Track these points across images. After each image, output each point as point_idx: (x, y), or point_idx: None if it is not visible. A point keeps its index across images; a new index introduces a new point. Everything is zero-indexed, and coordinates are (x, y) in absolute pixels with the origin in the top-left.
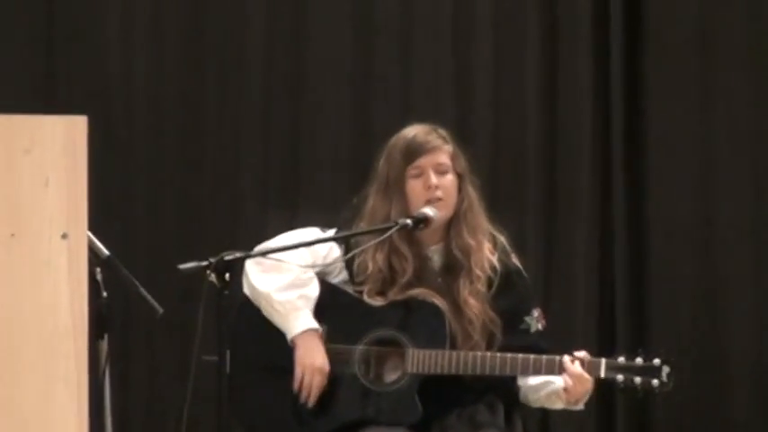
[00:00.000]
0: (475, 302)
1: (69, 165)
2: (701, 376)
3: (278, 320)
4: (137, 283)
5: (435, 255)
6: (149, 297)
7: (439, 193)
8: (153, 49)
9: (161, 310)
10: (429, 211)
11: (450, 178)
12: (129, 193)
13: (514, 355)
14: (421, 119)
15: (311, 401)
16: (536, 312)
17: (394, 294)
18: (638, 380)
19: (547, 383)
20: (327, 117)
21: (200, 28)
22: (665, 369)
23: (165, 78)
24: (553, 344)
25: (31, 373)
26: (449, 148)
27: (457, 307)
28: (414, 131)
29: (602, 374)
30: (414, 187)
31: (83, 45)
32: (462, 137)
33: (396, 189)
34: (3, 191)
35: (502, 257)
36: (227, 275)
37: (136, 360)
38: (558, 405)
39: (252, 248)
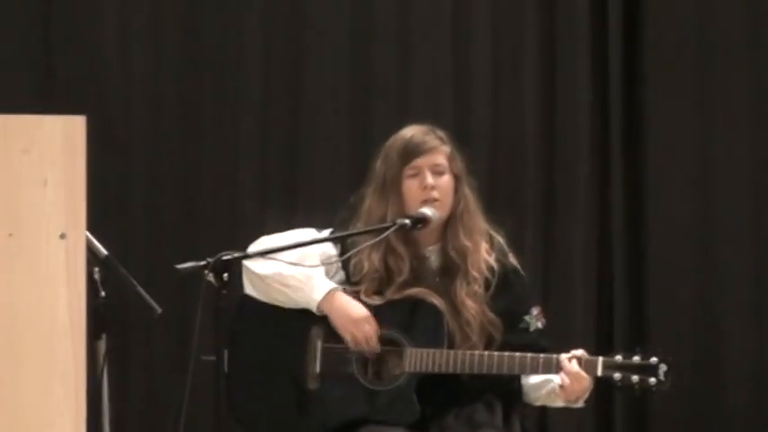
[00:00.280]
0: (472, 304)
1: (68, 165)
2: (699, 375)
3: (295, 296)
4: (135, 282)
5: (433, 255)
6: (147, 297)
7: (435, 194)
8: (151, 49)
9: (159, 310)
10: (427, 211)
11: (446, 179)
12: (127, 192)
13: (512, 354)
14: (419, 119)
15: (375, 349)
16: (535, 311)
17: (391, 294)
18: (635, 378)
19: (547, 382)
20: (326, 117)
21: (199, 28)
22: (663, 367)
23: (163, 78)
24: (554, 341)
25: (29, 372)
26: (446, 148)
27: (454, 308)
28: (411, 132)
29: (600, 373)
30: (410, 187)
31: (81, 45)
32: (461, 137)
33: (392, 189)
34: (1, 191)
35: (499, 257)
36: (225, 275)
37: (134, 360)
38: (559, 403)
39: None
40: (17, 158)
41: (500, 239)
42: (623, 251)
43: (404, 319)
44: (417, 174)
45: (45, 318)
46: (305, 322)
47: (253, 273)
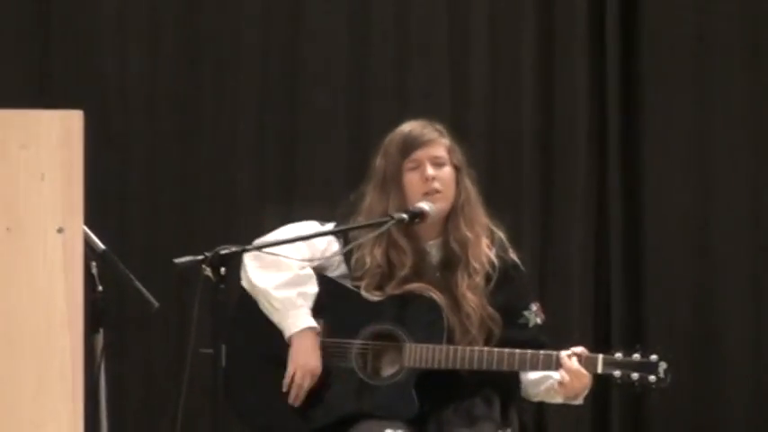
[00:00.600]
0: (473, 297)
1: (65, 159)
2: (697, 372)
3: (276, 318)
4: (132, 277)
5: (434, 249)
6: (145, 291)
7: (437, 185)
8: (149, 45)
9: (156, 304)
10: (425, 205)
11: (447, 170)
12: (124, 187)
13: (512, 350)
14: (417, 116)
15: (297, 402)
16: (534, 306)
17: (392, 289)
18: (635, 376)
19: (546, 378)
20: (324, 114)
21: (197, 23)
22: (663, 365)
23: (161, 73)
24: (552, 338)
25: (26, 366)
26: (445, 141)
27: (455, 301)
28: (410, 126)
29: (600, 370)
30: (411, 180)
31: (79, 40)
32: (458, 134)
33: (393, 183)
34: None
35: (500, 252)
36: (223, 270)
37: (131, 354)
38: (558, 399)
39: (248, 243)
40: (15, 153)
41: (501, 235)
42: (621, 249)
43: (403, 314)
44: (418, 166)
45: (43, 312)
46: None
47: (248, 275)
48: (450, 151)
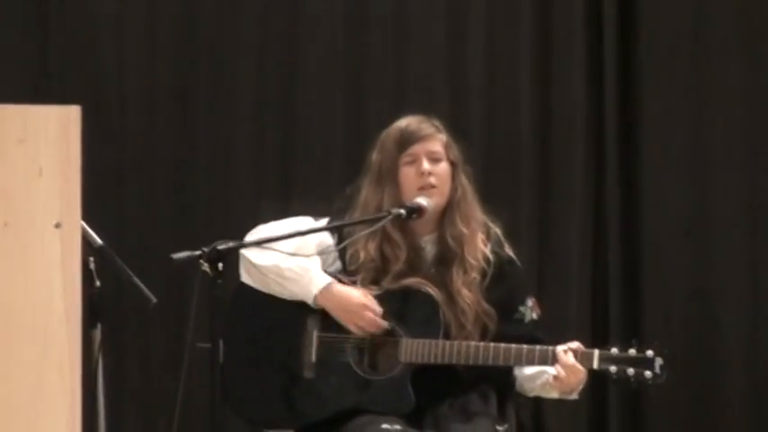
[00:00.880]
0: (468, 292)
1: (63, 154)
2: (694, 365)
3: (293, 288)
4: (130, 272)
5: (428, 245)
6: (143, 286)
7: (432, 180)
8: (146, 39)
9: (154, 300)
10: (422, 200)
11: (443, 166)
12: (122, 182)
13: (508, 345)
14: (414, 111)
15: (384, 327)
16: (530, 302)
17: (387, 283)
18: (630, 371)
19: (541, 373)
20: (321, 108)
21: (194, 17)
22: (659, 361)
23: (158, 68)
24: (548, 333)
25: (24, 361)
26: (442, 136)
27: (450, 297)
28: (407, 121)
29: (595, 365)
30: (407, 175)
31: (77, 36)
32: (455, 129)
33: (389, 178)
34: None
35: (495, 248)
36: (220, 265)
37: (129, 349)
38: (553, 394)
39: (245, 238)
40: (12, 148)
41: (497, 230)
42: (618, 245)
43: (399, 309)
44: (414, 161)
45: (40, 307)
46: (301, 311)
47: (250, 263)
48: (446, 147)
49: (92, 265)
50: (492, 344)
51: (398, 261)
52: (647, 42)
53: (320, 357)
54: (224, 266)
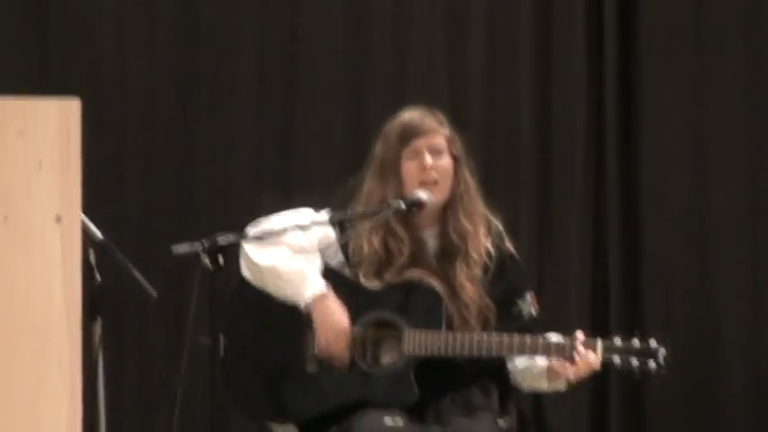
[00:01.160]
0: (471, 287)
1: (63, 147)
2: (695, 359)
3: (288, 291)
4: (130, 265)
5: (430, 238)
6: (143, 280)
7: (434, 175)
8: (146, 32)
9: (154, 293)
10: (422, 194)
11: (446, 160)
12: (122, 175)
13: (511, 336)
14: (414, 104)
15: (343, 365)
16: (529, 297)
17: (390, 277)
18: (634, 362)
19: (533, 365)
20: (321, 102)
21: (194, 10)
22: (662, 351)
23: (158, 61)
24: (546, 329)
25: (24, 355)
26: (445, 130)
27: (453, 291)
28: (410, 114)
29: (599, 355)
30: (409, 169)
31: (76, 27)
32: (456, 123)
33: (391, 171)
34: None
35: (496, 242)
36: (221, 258)
37: (129, 343)
38: (543, 384)
39: (245, 231)
40: (12, 141)
41: (498, 225)
42: (618, 237)
43: (402, 302)
44: (416, 155)
45: (40, 301)
46: None
47: (249, 258)
48: (449, 141)
49: (92, 259)
50: (495, 335)
51: (402, 255)
52: (647, 42)
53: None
54: (224, 260)
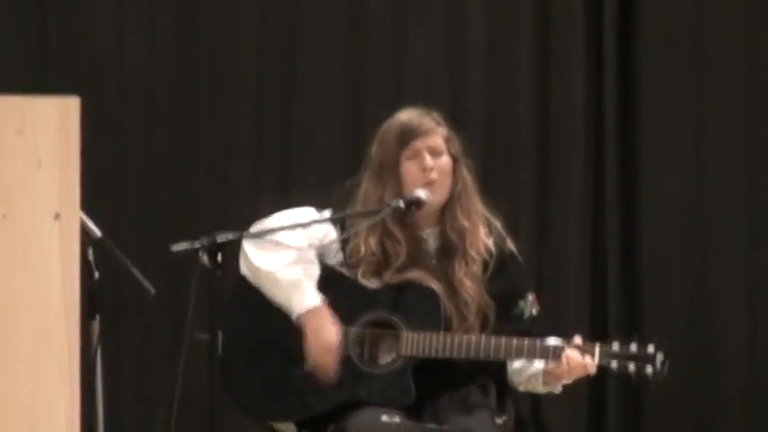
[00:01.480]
0: (470, 284)
1: (62, 146)
2: (693, 359)
3: (281, 299)
4: (129, 263)
5: (431, 237)
6: (142, 278)
7: (434, 175)
8: (145, 29)
9: (153, 291)
10: (421, 193)
11: (445, 160)
12: (121, 173)
13: (509, 339)
14: (413, 104)
15: (330, 382)
16: (530, 297)
17: (389, 277)
18: (631, 367)
19: (528, 366)
20: (320, 100)
21: (193, 7)
22: (660, 356)
23: (157, 59)
24: (546, 330)
25: (22, 353)
26: (443, 130)
27: (452, 289)
28: (407, 115)
29: (596, 360)
30: (409, 170)
31: (75, 25)
32: (454, 122)
33: (390, 173)
34: None
35: (497, 241)
36: (220, 256)
37: (127, 340)
38: (538, 387)
39: (243, 229)
40: (11, 139)
41: (498, 224)
42: (617, 236)
43: (401, 302)
44: (415, 156)
45: (39, 299)
46: None
47: (249, 259)
48: (447, 140)
49: (91, 257)
50: (494, 337)
51: (399, 257)
52: (646, 41)
53: None
54: (223, 258)
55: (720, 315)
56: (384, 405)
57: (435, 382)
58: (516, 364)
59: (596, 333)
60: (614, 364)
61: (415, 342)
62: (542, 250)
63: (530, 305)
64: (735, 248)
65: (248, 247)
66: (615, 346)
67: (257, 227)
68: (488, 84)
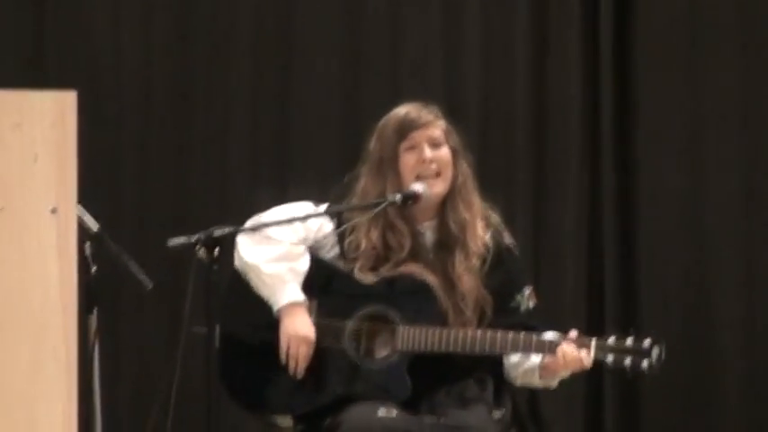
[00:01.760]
0: (468, 278)
1: (58, 140)
2: (691, 353)
3: (265, 292)
4: (126, 257)
5: (428, 231)
6: (139, 271)
7: (434, 167)
8: (142, 24)
9: (150, 285)
10: (418, 187)
11: (444, 152)
12: (118, 167)
13: (505, 333)
14: (410, 98)
15: (299, 372)
16: (527, 290)
17: (386, 271)
18: (627, 361)
19: (525, 360)
20: (317, 94)
21: (190, 3)
22: (655, 351)
23: (154, 53)
24: (543, 323)
25: (20, 348)
26: (442, 123)
27: (450, 282)
28: (405, 109)
29: (592, 354)
30: (408, 162)
31: (72, 20)
32: (451, 115)
33: (389, 167)
34: None
35: (495, 235)
36: (217, 250)
37: (125, 334)
38: (535, 382)
39: (241, 224)
40: (8, 133)
41: (496, 217)
42: (614, 231)
43: (397, 296)
44: (414, 147)
45: (36, 293)
46: None
47: (239, 251)
48: (446, 133)
49: (88, 251)
50: (489, 332)
51: (402, 249)
52: (642, 26)
53: (317, 344)
54: (220, 252)
55: (717, 310)
56: (380, 399)
57: (432, 377)
58: (513, 359)
59: (592, 326)
60: (610, 358)
61: (411, 336)
62: (539, 247)
63: (527, 298)
64: (731, 247)
65: (241, 239)
66: (611, 341)
67: (253, 221)
68: (485, 82)
